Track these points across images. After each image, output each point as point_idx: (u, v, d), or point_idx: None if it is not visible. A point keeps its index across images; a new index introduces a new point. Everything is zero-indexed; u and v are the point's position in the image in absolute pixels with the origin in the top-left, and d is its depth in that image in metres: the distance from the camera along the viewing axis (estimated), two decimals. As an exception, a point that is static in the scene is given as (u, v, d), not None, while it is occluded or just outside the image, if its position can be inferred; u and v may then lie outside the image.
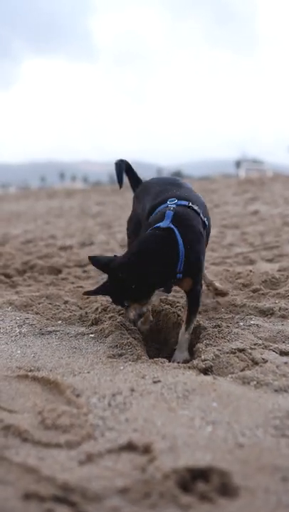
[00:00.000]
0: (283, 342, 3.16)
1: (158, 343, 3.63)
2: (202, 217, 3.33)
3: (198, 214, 3.29)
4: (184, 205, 3.25)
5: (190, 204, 3.28)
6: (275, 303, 3.93)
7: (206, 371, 2.69)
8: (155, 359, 2.92)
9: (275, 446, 1.88)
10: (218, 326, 3.38)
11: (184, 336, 3.20)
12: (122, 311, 3.72)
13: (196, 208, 3.29)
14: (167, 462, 1.74)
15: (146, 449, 1.86)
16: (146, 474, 1.68)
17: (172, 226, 3.09)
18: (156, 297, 3.33)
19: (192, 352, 3.14)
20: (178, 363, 2.99)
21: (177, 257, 3.06)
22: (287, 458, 1.80)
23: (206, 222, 3.40)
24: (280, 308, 3.73)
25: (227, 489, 1.62)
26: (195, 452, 1.83)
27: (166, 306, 3.84)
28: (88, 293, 3.26)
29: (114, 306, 3.84)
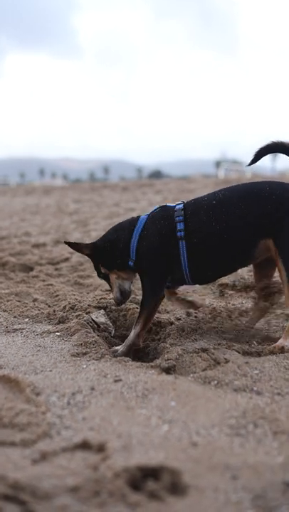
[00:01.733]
0: (247, 342, 3.20)
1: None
2: (177, 222, 3.15)
3: (173, 217, 3.18)
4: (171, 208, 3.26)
5: (176, 208, 3.23)
6: (242, 303, 3.97)
7: (168, 370, 2.70)
8: (119, 358, 2.93)
9: (228, 446, 1.90)
10: (183, 327, 3.39)
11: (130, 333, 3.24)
12: (88, 310, 3.73)
13: (177, 212, 3.19)
14: (119, 461, 1.75)
15: (101, 448, 1.86)
16: (98, 473, 1.69)
17: (143, 216, 3.34)
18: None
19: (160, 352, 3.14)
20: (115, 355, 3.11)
21: (129, 241, 3.26)
22: (239, 457, 1.82)
23: (180, 233, 3.14)
24: (245, 309, 3.76)
25: (176, 488, 1.63)
26: (148, 451, 1.84)
27: (134, 305, 3.85)
28: (68, 243, 3.53)
29: (81, 304, 3.84)
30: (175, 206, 3.25)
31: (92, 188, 24.15)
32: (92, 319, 3.51)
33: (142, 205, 14.59)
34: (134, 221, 3.35)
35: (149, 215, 3.33)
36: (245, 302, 4.02)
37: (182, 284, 3.38)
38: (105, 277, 3.47)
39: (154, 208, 3.35)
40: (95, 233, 9.26)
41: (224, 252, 3.14)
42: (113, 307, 3.81)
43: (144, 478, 1.67)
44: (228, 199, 3.13)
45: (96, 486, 1.61)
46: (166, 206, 3.31)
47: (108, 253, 3.37)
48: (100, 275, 3.51)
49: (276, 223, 3.03)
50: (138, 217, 3.38)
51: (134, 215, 11.53)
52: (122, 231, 3.36)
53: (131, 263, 3.27)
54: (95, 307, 3.82)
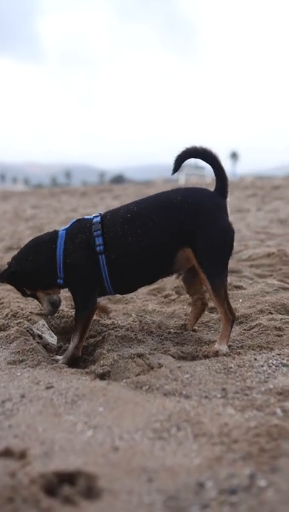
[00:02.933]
0: (182, 345, 3.25)
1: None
2: (95, 237, 3.16)
3: (91, 232, 3.19)
4: (88, 220, 3.26)
5: (94, 219, 3.24)
6: (183, 308, 4.03)
7: (103, 376, 2.74)
8: (55, 365, 2.96)
9: (148, 449, 1.95)
10: (125, 331, 3.43)
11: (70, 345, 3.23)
12: (30, 317, 3.73)
13: (95, 225, 3.20)
14: (38, 467, 1.78)
15: (22, 455, 1.88)
16: (15, 480, 1.71)
17: (61, 232, 3.28)
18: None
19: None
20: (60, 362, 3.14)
21: (54, 261, 3.21)
22: (158, 460, 1.87)
23: (99, 248, 3.15)
24: (186, 314, 3.83)
25: (91, 492, 1.66)
26: (69, 457, 1.88)
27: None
28: None
29: (23, 312, 3.85)
30: (92, 219, 3.24)
31: (52, 193, 24.01)
32: (35, 332, 3.50)
33: (100, 210, 14.61)
34: (53, 238, 3.28)
35: (67, 229, 3.29)
36: (186, 307, 4.09)
37: (105, 295, 3.41)
38: (32, 295, 3.46)
39: (72, 222, 3.33)
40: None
41: (143, 264, 3.19)
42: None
43: (60, 484, 1.70)
44: (141, 211, 3.17)
45: (11, 492, 1.63)
46: (83, 219, 3.30)
47: (31, 276, 3.30)
48: (25, 295, 3.48)
49: (191, 232, 3.08)
50: (55, 232, 3.32)
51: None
52: (41, 251, 3.29)
53: (60, 281, 3.24)
54: (36, 314, 3.82)
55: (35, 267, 3.27)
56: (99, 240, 3.15)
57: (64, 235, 3.26)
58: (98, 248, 3.14)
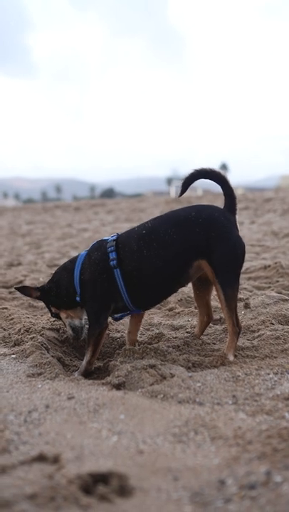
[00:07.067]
0: (190, 355, 3.43)
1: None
2: (109, 252, 3.35)
3: (106, 249, 3.40)
4: (104, 241, 3.48)
5: (108, 240, 3.45)
6: (188, 321, 4.21)
7: (118, 386, 2.91)
8: (72, 377, 3.12)
9: (170, 451, 2.12)
10: (135, 345, 3.61)
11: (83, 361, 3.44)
12: (42, 332, 3.90)
13: (109, 243, 3.41)
14: (73, 469, 1.95)
15: (56, 459, 2.05)
16: (54, 481, 1.87)
17: (82, 253, 3.55)
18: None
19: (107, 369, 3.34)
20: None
21: (72, 278, 3.46)
22: (180, 461, 2.05)
23: (113, 262, 3.34)
24: (191, 326, 4.01)
25: (124, 490, 1.83)
26: (99, 460, 2.05)
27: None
28: (17, 288, 3.73)
29: (36, 327, 4.01)
30: (109, 238, 3.47)
31: (45, 208, 24.18)
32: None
33: (95, 225, 14.80)
34: (74, 259, 3.56)
35: (88, 250, 3.52)
36: (191, 320, 4.27)
37: (127, 312, 3.54)
38: (57, 316, 3.68)
39: (92, 244, 3.56)
40: (48, 255, 9.40)
41: (159, 276, 3.33)
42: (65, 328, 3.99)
43: (95, 484, 1.87)
44: (156, 227, 3.34)
45: (52, 492, 1.80)
46: (102, 240, 3.51)
47: (56, 294, 3.57)
48: (52, 315, 3.72)
49: (207, 245, 3.24)
50: (79, 254, 3.58)
51: (87, 235, 11.61)
52: (64, 270, 3.57)
53: (78, 298, 3.45)
54: (48, 329, 3.99)
55: (59, 286, 3.53)
56: (112, 255, 3.33)
57: (84, 255, 3.50)
58: (112, 263, 3.32)
